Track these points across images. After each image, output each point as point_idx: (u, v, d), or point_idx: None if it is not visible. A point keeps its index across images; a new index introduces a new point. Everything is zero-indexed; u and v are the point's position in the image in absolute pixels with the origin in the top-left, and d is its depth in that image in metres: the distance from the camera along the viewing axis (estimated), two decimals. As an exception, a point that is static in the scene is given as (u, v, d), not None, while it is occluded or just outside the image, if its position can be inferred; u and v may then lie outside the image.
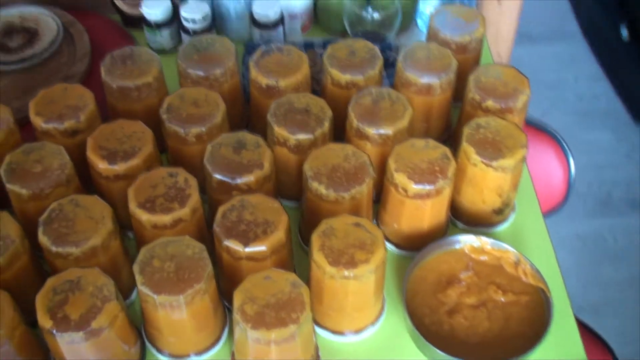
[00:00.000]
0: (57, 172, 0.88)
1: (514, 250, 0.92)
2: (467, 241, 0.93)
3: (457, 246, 0.93)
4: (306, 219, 0.94)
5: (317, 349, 0.87)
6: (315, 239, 0.82)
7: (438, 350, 0.82)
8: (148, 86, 0.99)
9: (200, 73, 1.00)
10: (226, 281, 0.87)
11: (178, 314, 0.79)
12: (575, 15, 2.79)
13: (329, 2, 1.20)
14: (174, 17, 1.18)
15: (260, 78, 1.00)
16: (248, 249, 0.81)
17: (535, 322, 0.87)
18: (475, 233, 0.94)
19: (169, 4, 1.17)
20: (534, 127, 1.23)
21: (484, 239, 0.92)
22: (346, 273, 0.80)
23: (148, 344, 0.87)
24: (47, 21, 1.21)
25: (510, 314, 0.88)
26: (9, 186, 0.87)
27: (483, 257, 0.92)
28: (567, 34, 2.74)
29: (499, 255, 0.92)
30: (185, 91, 0.98)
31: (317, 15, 1.25)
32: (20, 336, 0.79)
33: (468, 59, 1.08)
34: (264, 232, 0.82)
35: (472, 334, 0.86)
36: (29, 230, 0.85)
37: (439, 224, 0.95)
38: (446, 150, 0.91)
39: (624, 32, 2.52)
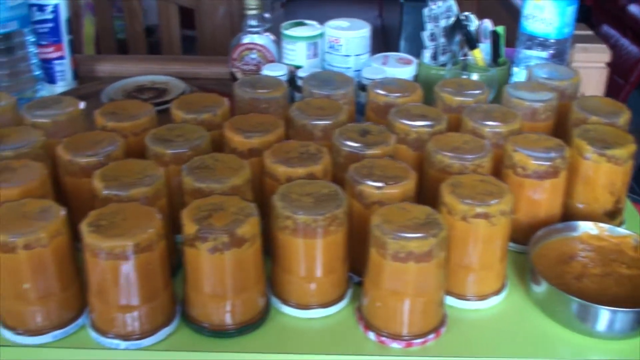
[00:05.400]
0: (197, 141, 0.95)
1: (633, 234, 0.93)
2: (584, 228, 0.94)
3: (574, 234, 0.94)
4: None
5: (445, 315, 0.86)
6: (445, 187, 0.85)
7: (574, 298, 0.81)
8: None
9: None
10: (354, 242, 0.88)
11: (316, 241, 0.81)
12: None
13: (429, 73, 1.32)
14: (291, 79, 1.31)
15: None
16: (383, 191, 0.85)
17: (666, 290, 0.86)
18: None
19: (285, 68, 1.30)
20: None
21: (601, 225, 0.94)
22: (478, 210, 0.82)
23: (274, 299, 0.88)
24: (176, 84, 1.34)
25: (638, 284, 0.87)
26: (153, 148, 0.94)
27: (602, 244, 0.93)
28: None
29: (618, 242, 0.93)
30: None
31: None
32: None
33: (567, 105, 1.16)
34: (396, 180, 0.86)
35: (602, 296, 0.85)
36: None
37: (555, 215, 0.97)
38: (559, 140, 0.97)
39: None
